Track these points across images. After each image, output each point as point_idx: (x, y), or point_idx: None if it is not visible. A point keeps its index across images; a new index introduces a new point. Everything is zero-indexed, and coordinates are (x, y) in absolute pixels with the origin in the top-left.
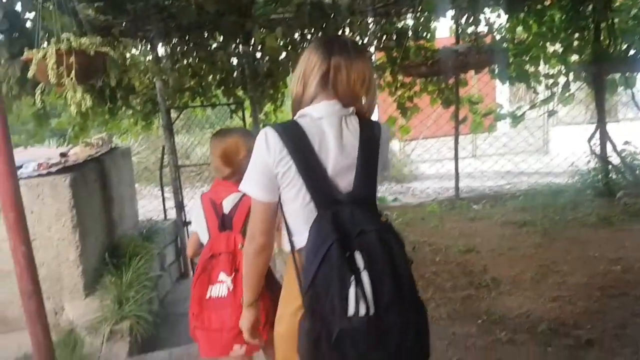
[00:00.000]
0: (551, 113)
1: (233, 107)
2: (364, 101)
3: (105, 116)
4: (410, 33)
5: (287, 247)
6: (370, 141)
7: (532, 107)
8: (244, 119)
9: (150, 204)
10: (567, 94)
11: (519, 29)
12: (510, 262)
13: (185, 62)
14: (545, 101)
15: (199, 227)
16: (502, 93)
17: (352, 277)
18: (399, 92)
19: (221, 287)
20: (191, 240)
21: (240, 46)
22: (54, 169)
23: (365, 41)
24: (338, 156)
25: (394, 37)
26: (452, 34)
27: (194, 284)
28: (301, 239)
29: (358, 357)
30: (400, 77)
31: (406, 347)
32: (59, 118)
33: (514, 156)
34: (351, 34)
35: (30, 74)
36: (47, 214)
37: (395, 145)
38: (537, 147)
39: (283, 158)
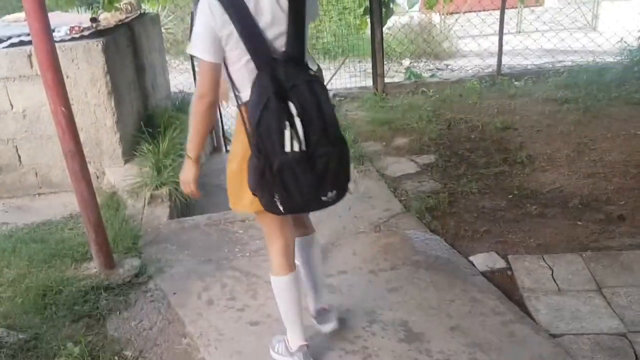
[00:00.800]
0: None
1: None
2: None
3: None
4: None
5: (233, 102)
6: (297, 1)
7: None
8: None
9: (180, 76)
10: None
11: None
12: (548, 139)
13: None
14: None
15: None
16: None
17: (287, 122)
18: None
19: None
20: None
21: None
22: (86, 33)
23: None
24: (272, 17)
25: None
26: None
27: None
28: (245, 94)
29: (294, 180)
30: None
31: (330, 170)
32: None
33: (561, 32)
34: None
35: None
36: (83, 78)
37: (435, 18)
38: (585, 23)
39: (224, 22)
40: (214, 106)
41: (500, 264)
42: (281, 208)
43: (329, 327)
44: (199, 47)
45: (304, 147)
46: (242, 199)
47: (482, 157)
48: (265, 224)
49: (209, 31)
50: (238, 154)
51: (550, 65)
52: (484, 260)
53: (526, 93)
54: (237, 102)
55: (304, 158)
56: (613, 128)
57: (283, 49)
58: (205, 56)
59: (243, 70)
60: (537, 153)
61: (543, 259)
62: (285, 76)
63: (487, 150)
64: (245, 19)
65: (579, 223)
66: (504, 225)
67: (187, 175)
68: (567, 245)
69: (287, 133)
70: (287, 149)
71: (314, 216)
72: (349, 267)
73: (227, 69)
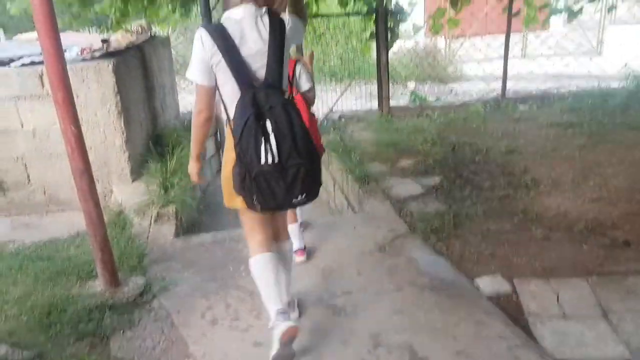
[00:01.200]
0: (611, 8)
1: None
2: (276, 3)
3: (144, 2)
4: None
5: (224, 116)
6: (277, 34)
7: (591, 0)
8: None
9: (190, 96)
10: None
11: None
12: (552, 163)
13: None
14: None
15: None
16: None
17: (263, 138)
18: None
19: None
20: None
21: None
22: (97, 54)
23: None
24: (255, 50)
25: None
26: None
27: None
28: (232, 112)
29: (268, 186)
30: None
31: (300, 179)
32: (101, 4)
33: (565, 57)
34: None
35: None
36: (93, 99)
37: (440, 42)
38: (590, 48)
39: (214, 52)
40: (209, 120)
41: (506, 287)
42: (258, 207)
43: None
44: (194, 72)
45: (277, 160)
46: (233, 198)
47: (487, 180)
48: (248, 219)
49: (201, 59)
50: (229, 161)
51: (555, 90)
52: (489, 283)
53: (531, 117)
54: (227, 118)
55: (277, 169)
56: (618, 153)
57: (263, 76)
58: (199, 80)
59: (230, 92)
60: (541, 177)
61: (548, 283)
62: (264, 99)
63: (492, 173)
64: (231, 50)
65: (585, 247)
66: (509, 248)
67: (192, 169)
68: (573, 270)
69: (263, 147)
70: (263, 161)
71: (320, 233)
72: (354, 288)
73: (219, 90)
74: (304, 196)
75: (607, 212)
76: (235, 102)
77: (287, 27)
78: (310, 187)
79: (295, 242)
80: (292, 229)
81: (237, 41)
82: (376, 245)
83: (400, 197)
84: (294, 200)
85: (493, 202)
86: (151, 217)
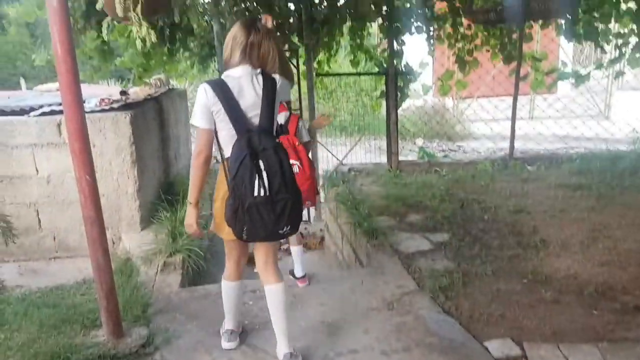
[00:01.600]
0: (618, 74)
1: (287, 53)
2: (269, 66)
3: (163, 57)
4: None
5: (219, 156)
6: (269, 90)
7: (599, 67)
8: (297, 66)
9: None
10: (637, 55)
11: None
12: (561, 224)
13: (243, 5)
14: (614, 61)
15: None
16: (566, 52)
17: (257, 175)
18: (458, 45)
19: (294, 166)
20: None
21: None
22: (115, 105)
23: None
24: (251, 101)
25: None
26: None
27: None
28: (227, 152)
29: (259, 217)
30: (461, 29)
31: (286, 211)
32: (122, 58)
33: (573, 119)
34: None
35: (98, 6)
36: (108, 148)
37: (448, 102)
38: (597, 112)
39: (215, 102)
40: (208, 160)
41: (516, 351)
42: (245, 237)
43: None
44: (197, 117)
45: (267, 193)
46: (223, 229)
47: (496, 239)
48: (230, 247)
49: (204, 107)
50: (220, 195)
51: (563, 151)
52: (499, 346)
53: (539, 177)
54: (222, 157)
55: (268, 201)
56: (627, 216)
57: (257, 123)
58: (202, 124)
59: (226, 136)
60: (551, 238)
61: (559, 348)
62: (257, 142)
63: (501, 232)
64: (230, 101)
65: (595, 312)
66: (518, 310)
67: (190, 219)
68: (583, 335)
69: (256, 182)
70: (256, 193)
71: (327, 286)
72: (360, 346)
73: (216, 134)
74: (288, 228)
75: (617, 275)
76: (231, 145)
77: (277, 85)
78: (294, 220)
79: (298, 269)
80: (296, 251)
81: (235, 94)
82: (384, 301)
83: (408, 253)
84: (280, 231)
85: (502, 262)
86: (158, 266)
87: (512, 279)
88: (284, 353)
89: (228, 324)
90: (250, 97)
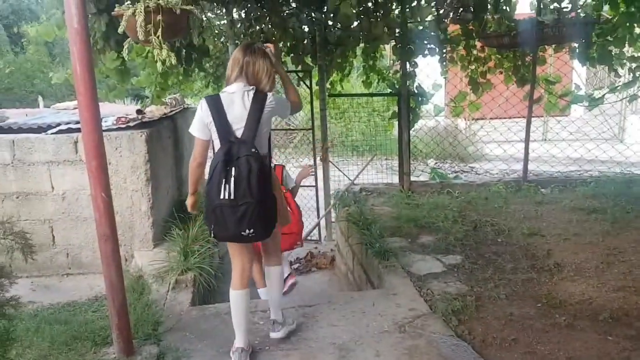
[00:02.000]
0: (632, 97)
1: (301, 74)
2: (262, 83)
3: (179, 77)
4: (489, 6)
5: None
6: (257, 106)
7: (613, 90)
8: (310, 87)
9: None
10: None
11: (606, 7)
12: (576, 248)
13: (257, 27)
14: (628, 85)
15: None
16: (580, 75)
17: (224, 180)
18: (471, 67)
19: None
20: None
21: (313, 13)
22: (131, 124)
23: (440, 12)
24: (238, 116)
25: (472, 9)
26: (532, 9)
27: None
28: None
29: (222, 217)
30: (474, 52)
31: (248, 215)
32: (138, 77)
33: (587, 142)
34: (426, 5)
35: (120, 30)
36: (124, 166)
37: (461, 123)
38: (611, 135)
39: (208, 115)
40: (201, 165)
41: None
42: (214, 235)
43: (275, 335)
44: (194, 128)
45: (232, 197)
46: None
47: (509, 262)
48: (233, 252)
49: (200, 119)
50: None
51: (577, 174)
52: None
53: (553, 200)
54: None
55: (232, 204)
56: None
57: (239, 135)
58: (197, 134)
59: (217, 145)
60: (565, 262)
61: None
62: (236, 151)
63: (514, 255)
64: (220, 114)
65: (610, 338)
66: (532, 335)
67: (189, 202)
68: None
69: (223, 186)
70: (222, 196)
71: (338, 308)
72: None
73: (212, 144)
74: (251, 231)
75: (633, 301)
76: None
77: (267, 101)
78: (258, 225)
79: (285, 269)
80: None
81: (226, 108)
82: (395, 324)
83: (420, 275)
84: (242, 233)
85: (516, 286)
86: (169, 284)
87: (526, 303)
88: (271, 319)
89: (238, 342)
90: (238, 110)
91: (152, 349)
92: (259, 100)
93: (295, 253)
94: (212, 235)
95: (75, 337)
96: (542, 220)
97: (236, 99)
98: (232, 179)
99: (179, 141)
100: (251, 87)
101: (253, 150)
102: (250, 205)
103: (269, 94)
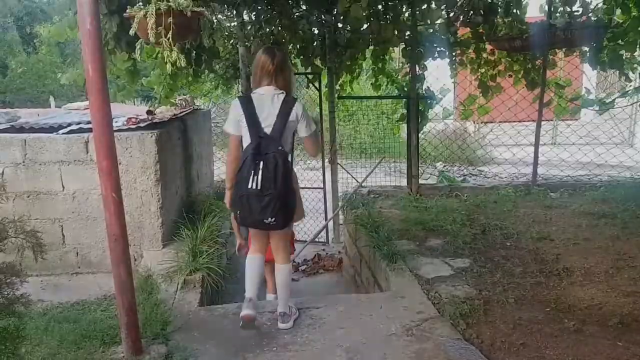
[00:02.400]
0: None
1: (310, 76)
2: (289, 88)
3: (189, 78)
4: (500, 9)
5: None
6: (286, 108)
7: (624, 94)
8: (319, 89)
9: (223, 167)
10: None
11: (617, 11)
12: (585, 252)
13: (267, 29)
14: (638, 89)
15: None
16: (590, 79)
17: (253, 172)
18: (481, 70)
19: None
20: None
21: (323, 15)
22: (142, 125)
23: (450, 15)
24: (267, 115)
25: (482, 13)
26: (542, 12)
27: None
28: None
29: (249, 205)
30: (484, 55)
31: (271, 204)
32: (148, 77)
33: (597, 146)
34: (436, 7)
35: (132, 32)
36: (134, 166)
37: (470, 127)
38: (621, 139)
39: (241, 113)
40: (236, 159)
41: None
42: (239, 220)
43: (284, 325)
44: (228, 125)
45: (259, 187)
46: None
47: (518, 266)
48: (251, 233)
49: (233, 117)
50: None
51: (587, 179)
52: None
53: (562, 205)
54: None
55: (258, 194)
56: None
57: (269, 132)
58: (230, 131)
59: (247, 141)
60: (574, 266)
61: None
62: (264, 146)
63: (523, 259)
64: (251, 113)
65: (619, 344)
66: (541, 340)
67: (227, 198)
68: None
69: (252, 178)
70: (249, 186)
71: (346, 310)
72: None
73: (242, 139)
74: (273, 220)
75: None
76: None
77: (295, 105)
78: (279, 216)
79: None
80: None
81: (257, 108)
82: (403, 327)
83: (428, 277)
84: (265, 221)
85: (525, 290)
86: (178, 283)
87: (535, 308)
88: (279, 312)
89: (248, 293)
90: (267, 110)
91: (161, 349)
92: (287, 103)
93: (302, 255)
94: (237, 220)
95: (84, 335)
96: (551, 224)
97: (266, 100)
98: (260, 171)
99: (188, 142)
100: (281, 91)
101: (280, 148)
102: (274, 196)
103: (299, 101)
